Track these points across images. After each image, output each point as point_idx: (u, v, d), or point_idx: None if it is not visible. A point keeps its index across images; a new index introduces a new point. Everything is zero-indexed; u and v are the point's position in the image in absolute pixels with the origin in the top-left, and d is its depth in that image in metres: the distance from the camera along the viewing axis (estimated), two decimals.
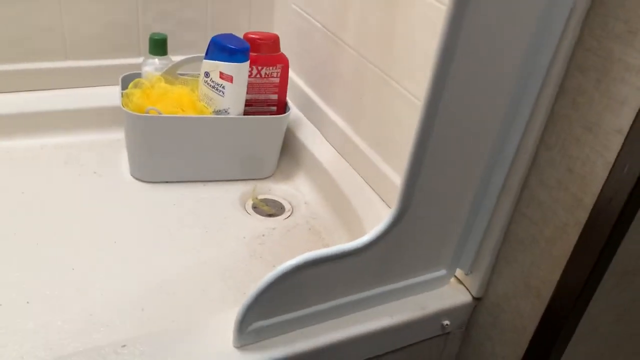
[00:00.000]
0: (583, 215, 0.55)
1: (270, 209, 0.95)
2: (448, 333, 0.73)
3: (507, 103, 0.57)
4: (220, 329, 0.61)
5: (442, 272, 0.69)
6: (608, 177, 0.52)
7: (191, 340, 0.60)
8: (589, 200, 0.55)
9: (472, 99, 0.55)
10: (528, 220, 0.62)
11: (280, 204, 0.98)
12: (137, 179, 0.95)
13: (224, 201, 0.94)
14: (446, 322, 0.70)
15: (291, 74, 1.00)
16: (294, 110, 1.05)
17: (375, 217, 0.85)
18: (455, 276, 0.73)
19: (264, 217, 0.93)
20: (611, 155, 0.52)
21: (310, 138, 1.02)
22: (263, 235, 0.89)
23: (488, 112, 0.57)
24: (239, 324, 0.57)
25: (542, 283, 0.62)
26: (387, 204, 0.87)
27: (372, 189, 0.90)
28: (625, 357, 0.72)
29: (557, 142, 0.57)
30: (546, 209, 0.60)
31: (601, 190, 0.52)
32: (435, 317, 0.69)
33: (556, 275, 0.59)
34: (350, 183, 0.92)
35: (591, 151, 0.54)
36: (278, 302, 0.59)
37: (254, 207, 0.95)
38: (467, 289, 0.72)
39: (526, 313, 0.64)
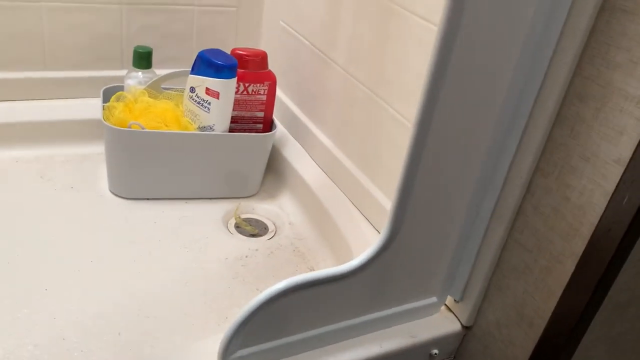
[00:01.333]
0: (580, 245, 0.54)
1: (253, 228, 0.93)
2: None
3: (500, 127, 0.57)
4: (201, 357, 0.58)
5: (433, 299, 0.68)
6: (607, 207, 0.51)
7: None
8: (586, 230, 0.54)
9: (463, 122, 0.54)
10: (522, 248, 0.61)
11: (264, 223, 0.95)
12: (116, 195, 0.92)
13: (206, 220, 0.92)
14: (435, 351, 0.69)
15: (278, 91, 0.98)
16: (280, 128, 1.03)
17: (361, 239, 0.84)
18: (445, 304, 0.71)
19: (246, 237, 0.90)
20: (609, 185, 0.51)
21: (296, 157, 1.00)
22: (246, 257, 0.86)
23: (480, 135, 0.56)
24: (223, 353, 0.54)
25: (536, 312, 0.60)
26: (374, 226, 0.85)
27: (359, 210, 0.88)
28: None
29: (554, 170, 0.56)
30: (541, 237, 0.59)
31: (599, 220, 0.52)
32: (424, 346, 0.67)
33: (551, 305, 0.58)
34: (336, 204, 0.90)
35: (589, 181, 0.53)
36: (263, 329, 0.56)
37: (237, 227, 0.93)
38: (457, 317, 0.70)
39: (518, 342, 0.63)
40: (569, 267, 0.56)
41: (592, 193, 0.53)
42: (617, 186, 0.50)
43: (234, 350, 0.55)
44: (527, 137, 0.57)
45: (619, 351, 0.65)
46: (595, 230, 0.52)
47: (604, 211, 0.51)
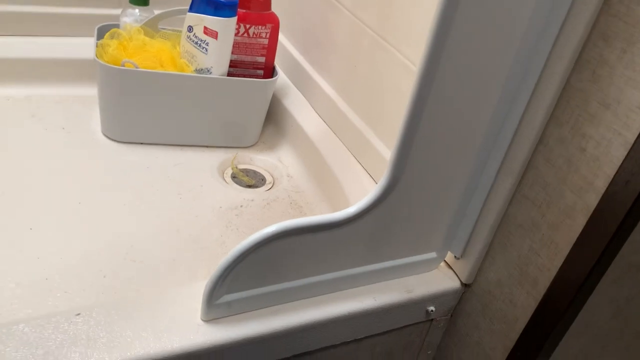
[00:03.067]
0: (593, 199, 0.51)
1: (250, 179, 0.89)
2: (432, 320, 0.68)
3: (514, 72, 0.52)
4: (187, 301, 0.55)
5: (432, 254, 0.64)
6: (626, 158, 0.47)
7: (154, 311, 0.54)
8: (601, 183, 0.50)
9: (473, 66, 0.49)
10: (530, 203, 0.57)
11: (261, 175, 0.92)
12: (108, 137, 0.89)
13: (202, 168, 0.88)
14: (431, 308, 0.66)
15: (281, 36, 0.94)
16: (281, 75, 0.99)
17: (362, 193, 0.79)
18: (445, 260, 0.68)
19: (242, 188, 0.87)
20: (631, 135, 0.47)
21: (297, 107, 0.96)
22: (240, 207, 0.83)
23: (491, 81, 0.52)
24: (208, 295, 0.51)
25: (540, 271, 0.57)
26: (375, 181, 0.81)
27: (361, 164, 0.84)
28: (620, 354, 0.68)
29: (570, 119, 0.52)
30: (552, 191, 0.55)
31: (617, 172, 0.48)
32: (420, 302, 0.64)
33: (557, 263, 0.55)
34: (337, 157, 0.87)
35: (608, 130, 0.49)
36: (251, 274, 0.53)
37: (233, 177, 0.89)
38: (456, 274, 0.67)
39: (519, 302, 0.60)
40: (580, 223, 0.52)
41: (610, 143, 0.49)
42: (638, 136, 0.46)
43: (220, 294, 0.52)
44: (543, 83, 0.53)
45: (627, 317, 0.62)
46: (611, 183, 0.48)
47: (622, 162, 0.47)
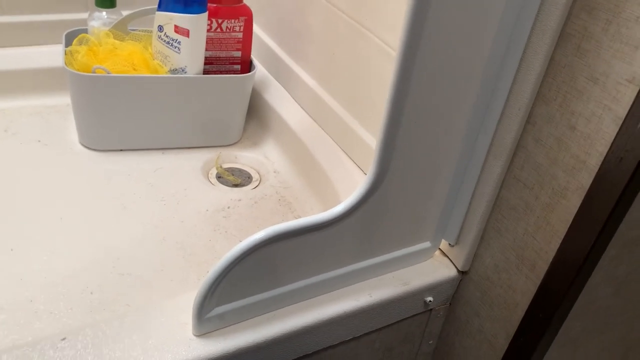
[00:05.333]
0: (586, 178, 0.49)
1: (235, 178, 0.87)
2: (431, 310, 0.67)
3: (495, 51, 0.50)
4: (177, 315, 0.53)
5: (426, 244, 0.63)
6: (618, 134, 0.45)
7: (143, 328, 0.52)
8: (594, 161, 0.48)
9: (454, 46, 0.47)
10: (522, 185, 0.56)
11: (247, 173, 0.89)
12: (86, 147, 0.86)
13: (185, 171, 0.86)
14: (429, 298, 0.64)
15: (256, 28, 0.91)
16: (259, 68, 0.96)
17: (351, 185, 0.78)
18: (439, 249, 0.66)
19: (229, 188, 0.85)
20: (622, 109, 0.45)
21: (278, 100, 0.94)
22: (228, 208, 0.81)
23: (472, 60, 0.50)
24: (198, 309, 0.50)
25: (537, 254, 0.56)
26: (363, 171, 0.79)
27: (347, 155, 0.82)
28: (623, 328, 0.67)
29: (557, 96, 0.50)
30: (543, 172, 0.53)
31: (609, 149, 0.46)
32: (418, 294, 0.63)
33: (553, 246, 0.53)
34: (323, 149, 0.85)
35: (597, 105, 0.47)
36: (242, 283, 0.51)
37: (218, 177, 0.87)
38: (452, 262, 0.65)
39: (519, 287, 0.59)
40: (574, 203, 0.51)
41: (600, 119, 0.47)
42: (630, 109, 0.44)
43: (210, 308, 0.50)
44: (527, 60, 0.50)
45: (628, 292, 0.60)
46: (604, 161, 0.47)
47: (615, 138, 0.45)
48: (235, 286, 0.51)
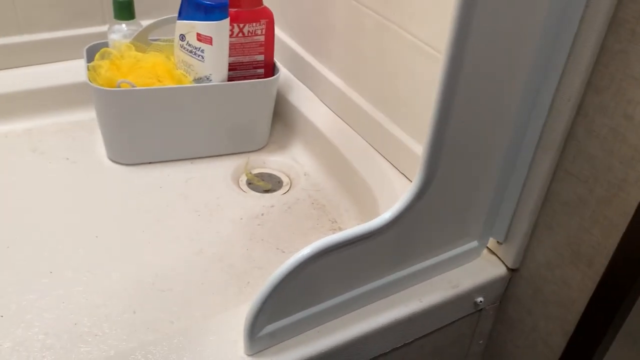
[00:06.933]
0: None
1: (266, 184, 0.85)
2: (481, 310, 0.65)
3: (544, 40, 0.48)
4: (227, 333, 0.52)
5: (474, 243, 0.61)
6: None
7: (194, 350, 0.51)
8: None
9: (501, 39, 0.45)
10: (574, 178, 0.53)
11: (277, 177, 0.88)
12: (115, 162, 0.85)
13: (215, 179, 0.85)
14: (480, 298, 0.62)
15: (277, 30, 0.89)
16: (283, 71, 0.94)
17: (385, 184, 0.76)
18: (487, 247, 0.64)
19: (260, 194, 0.84)
20: None
21: (305, 102, 0.92)
22: (262, 215, 0.79)
23: (520, 51, 0.47)
24: (250, 329, 0.48)
25: (594, 249, 0.53)
26: (397, 169, 0.77)
27: (379, 152, 0.80)
28: None
29: (611, 85, 0.48)
30: (597, 165, 0.51)
31: None
32: (468, 295, 0.61)
33: (613, 240, 0.51)
34: (353, 148, 0.83)
35: None
36: (291, 299, 0.50)
37: (249, 184, 0.86)
38: (501, 260, 0.63)
39: (575, 284, 0.56)
40: (634, 196, 0.48)
41: None
42: None
43: (262, 326, 0.49)
44: (577, 49, 0.48)
45: None
46: None
47: None
48: (284, 303, 0.49)
